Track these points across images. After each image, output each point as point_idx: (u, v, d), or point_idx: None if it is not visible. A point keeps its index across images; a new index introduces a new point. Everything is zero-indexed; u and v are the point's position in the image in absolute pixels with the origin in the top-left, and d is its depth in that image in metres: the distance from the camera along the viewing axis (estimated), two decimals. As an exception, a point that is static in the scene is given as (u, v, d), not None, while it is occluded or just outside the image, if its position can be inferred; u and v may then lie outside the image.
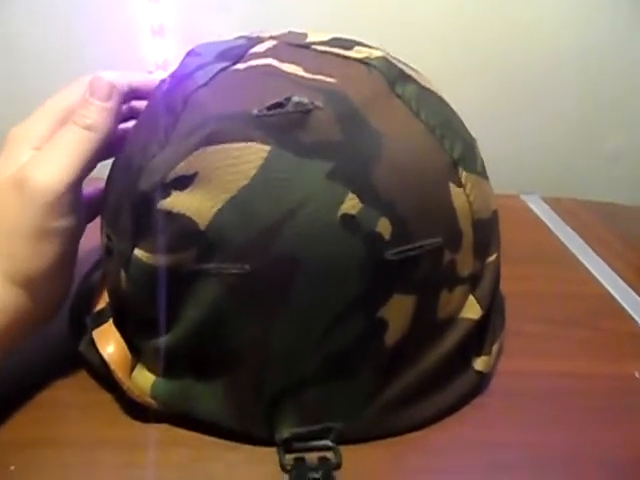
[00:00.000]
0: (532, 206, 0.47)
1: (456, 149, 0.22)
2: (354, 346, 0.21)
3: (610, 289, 0.36)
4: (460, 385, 0.25)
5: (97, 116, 0.22)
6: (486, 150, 0.54)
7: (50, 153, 0.21)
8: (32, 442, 0.22)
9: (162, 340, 0.21)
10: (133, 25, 0.44)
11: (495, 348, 0.27)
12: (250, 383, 0.21)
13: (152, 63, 0.44)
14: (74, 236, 0.22)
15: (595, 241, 0.42)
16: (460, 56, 0.49)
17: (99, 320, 0.24)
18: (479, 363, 0.25)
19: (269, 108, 0.19)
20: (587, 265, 0.38)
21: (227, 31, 0.42)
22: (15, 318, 0.21)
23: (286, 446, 0.21)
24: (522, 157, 0.53)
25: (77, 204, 0.22)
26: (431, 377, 0.23)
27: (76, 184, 0.21)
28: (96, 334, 0.23)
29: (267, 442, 0.22)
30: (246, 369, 0.21)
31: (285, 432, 0.21)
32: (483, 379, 0.26)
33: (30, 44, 0.46)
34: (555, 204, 0.47)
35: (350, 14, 0.46)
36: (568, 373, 0.28)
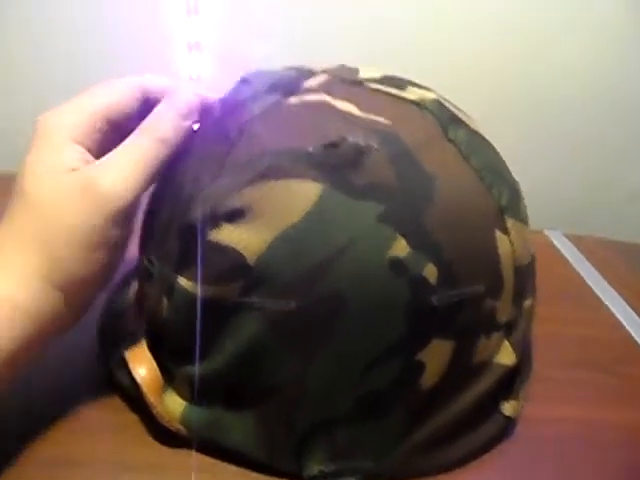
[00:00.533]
0: (556, 242, 0.47)
1: (504, 196, 0.22)
2: (390, 387, 0.21)
3: (633, 333, 0.36)
4: (488, 429, 0.24)
5: (173, 133, 0.21)
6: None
7: (122, 161, 0.20)
8: (57, 461, 0.22)
9: (197, 368, 0.21)
10: (170, 39, 0.45)
11: (522, 393, 0.26)
12: (282, 417, 0.21)
13: (186, 78, 0.45)
14: (124, 246, 0.22)
15: (616, 281, 0.41)
16: (489, 92, 0.49)
17: (132, 341, 0.24)
18: (507, 408, 0.25)
19: (325, 147, 0.19)
20: (610, 306, 0.38)
21: (264, 53, 0.43)
22: (50, 321, 0.20)
23: (315, 482, 0.21)
24: (546, 193, 0.53)
25: (134, 215, 0.21)
26: (462, 420, 0.23)
27: (141, 196, 0.21)
28: (128, 354, 0.23)
29: (294, 477, 0.22)
30: (280, 404, 0.21)
31: (314, 469, 0.21)
32: (510, 424, 0.25)
33: (63, 57, 0.47)
34: (577, 242, 0.47)
35: (387, 45, 0.47)
36: (591, 421, 0.28)
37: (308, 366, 0.20)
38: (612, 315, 0.37)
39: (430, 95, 0.23)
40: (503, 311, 0.23)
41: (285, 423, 0.21)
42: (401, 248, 0.19)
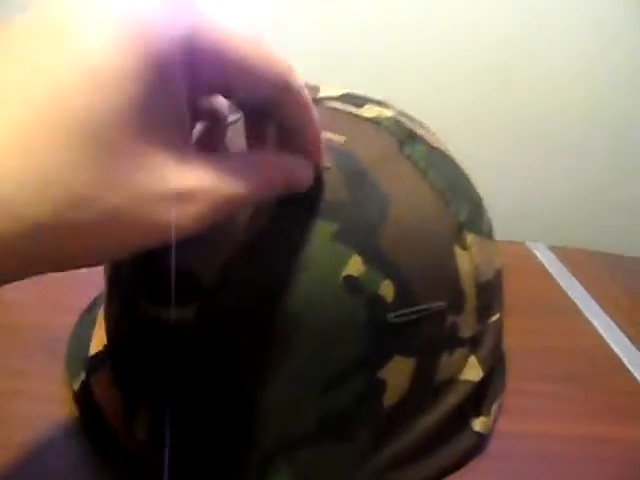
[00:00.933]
0: (538, 254, 0.47)
1: (462, 212, 0.22)
2: (352, 407, 0.21)
3: (614, 346, 0.35)
4: (458, 446, 0.24)
5: (303, 177, 0.17)
6: (496, 197, 0.54)
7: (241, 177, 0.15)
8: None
9: (159, 390, 0.21)
10: None
11: (495, 408, 0.26)
12: (243, 440, 0.21)
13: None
14: None
15: (599, 293, 0.41)
16: (473, 103, 0.50)
17: (96, 363, 0.24)
18: (478, 424, 0.25)
19: None
20: (591, 318, 0.38)
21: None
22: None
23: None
24: (530, 205, 0.53)
25: None
26: (428, 439, 0.23)
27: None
28: (93, 378, 0.23)
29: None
30: (239, 425, 0.21)
31: (277, 490, 0.21)
32: (482, 440, 0.25)
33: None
34: (561, 253, 0.47)
35: (364, 64, 0.47)
36: (568, 436, 0.27)
37: (268, 385, 0.20)
38: (593, 328, 0.37)
39: (387, 113, 0.23)
40: (466, 327, 0.22)
41: (249, 443, 0.21)
42: (356, 267, 0.19)
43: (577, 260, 0.46)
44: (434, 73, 0.49)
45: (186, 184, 0.14)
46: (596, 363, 0.33)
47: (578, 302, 0.40)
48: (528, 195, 0.53)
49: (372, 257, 0.19)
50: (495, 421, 0.27)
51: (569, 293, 0.41)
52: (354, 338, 0.20)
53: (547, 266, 0.45)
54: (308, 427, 0.21)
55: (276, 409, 0.20)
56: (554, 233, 0.51)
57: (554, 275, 0.43)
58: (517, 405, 0.28)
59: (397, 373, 0.21)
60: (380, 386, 0.21)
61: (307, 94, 0.16)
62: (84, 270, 0.28)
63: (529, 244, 0.48)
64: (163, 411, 0.21)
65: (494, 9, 0.47)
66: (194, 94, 0.14)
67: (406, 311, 0.20)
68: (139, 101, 0.12)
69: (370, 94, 0.25)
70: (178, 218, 0.14)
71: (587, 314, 0.39)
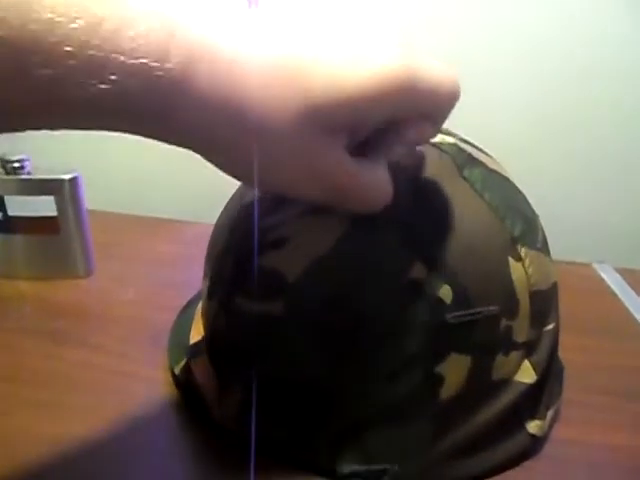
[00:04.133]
0: (604, 275, 0.47)
1: (517, 227, 0.25)
2: (412, 395, 0.23)
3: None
4: (512, 445, 0.26)
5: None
6: (562, 218, 0.55)
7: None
8: (127, 450, 0.26)
9: (249, 374, 0.25)
10: None
11: (550, 414, 0.28)
12: (318, 418, 0.24)
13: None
14: None
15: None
16: (542, 124, 0.51)
17: (195, 351, 0.28)
18: (532, 426, 0.26)
19: None
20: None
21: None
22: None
23: (345, 481, 0.24)
24: (597, 226, 0.53)
25: None
26: (484, 434, 0.25)
27: None
28: (193, 363, 0.27)
29: (329, 474, 0.24)
30: (316, 405, 0.24)
31: (345, 468, 0.24)
32: (536, 443, 0.27)
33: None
34: (628, 275, 0.47)
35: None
36: (624, 446, 0.28)
37: (338, 372, 0.23)
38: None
39: (449, 139, 0.26)
40: (520, 331, 0.25)
41: (321, 423, 0.24)
42: (419, 271, 0.22)
43: (643, 282, 0.46)
44: (499, 96, 0.51)
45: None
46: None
47: (643, 322, 0.40)
48: (594, 216, 0.53)
49: (433, 264, 0.22)
50: (551, 426, 0.28)
51: (635, 314, 0.41)
52: (415, 334, 0.22)
53: (613, 287, 0.45)
54: (373, 411, 0.24)
55: (346, 393, 0.23)
56: (621, 254, 0.50)
57: (620, 296, 0.44)
58: (575, 415, 0.29)
59: (454, 369, 0.23)
60: (438, 380, 0.23)
61: None
62: (179, 275, 0.33)
63: (595, 265, 0.49)
64: (251, 391, 0.25)
65: (563, 34, 0.49)
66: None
67: (462, 313, 0.23)
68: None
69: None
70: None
71: (652, 334, 0.39)
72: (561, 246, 0.47)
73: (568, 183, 0.53)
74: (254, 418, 0.24)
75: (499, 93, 0.51)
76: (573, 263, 0.48)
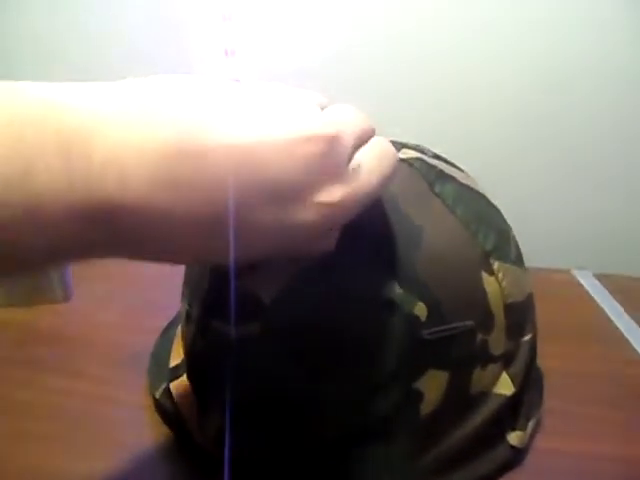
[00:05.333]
0: (583, 282, 0.48)
1: (489, 241, 0.25)
2: (391, 413, 0.23)
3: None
4: (494, 457, 0.26)
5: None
6: (540, 226, 0.55)
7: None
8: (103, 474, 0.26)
9: (227, 395, 0.25)
10: (206, 45, 0.48)
11: (531, 424, 0.28)
12: (298, 438, 0.24)
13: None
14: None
15: (646, 321, 0.42)
16: (516, 132, 0.52)
17: (175, 374, 0.28)
18: (513, 438, 0.27)
19: None
20: (635, 346, 0.39)
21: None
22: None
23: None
24: (576, 232, 0.54)
25: None
26: (465, 447, 0.25)
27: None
28: (173, 386, 0.27)
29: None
30: (296, 425, 0.24)
31: (328, 487, 0.24)
32: (517, 454, 0.27)
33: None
34: (606, 281, 0.47)
35: (412, 92, 0.51)
36: (607, 455, 0.28)
37: (317, 391, 0.23)
38: (638, 355, 0.38)
39: (412, 154, 0.27)
40: (496, 344, 0.25)
41: (301, 442, 0.24)
42: (392, 290, 0.22)
43: (623, 287, 0.47)
44: (479, 102, 0.51)
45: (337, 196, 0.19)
46: (639, 388, 0.34)
47: (623, 329, 0.41)
48: (573, 223, 0.54)
49: (407, 281, 0.23)
50: (532, 437, 0.28)
51: (614, 320, 0.42)
52: (393, 352, 0.23)
53: (592, 293, 0.46)
54: (354, 429, 0.24)
55: (325, 412, 0.23)
56: (599, 261, 0.51)
57: (599, 302, 0.44)
58: (556, 425, 0.30)
59: (432, 384, 0.23)
60: (417, 396, 0.23)
61: None
62: (159, 296, 0.33)
63: (574, 272, 0.49)
64: (230, 413, 0.25)
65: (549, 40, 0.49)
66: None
67: (438, 329, 0.23)
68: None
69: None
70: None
71: (632, 341, 0.39)
72: (540, 253, 0.47)
73: (547, 190, 0.53)
74: (228, 441, 0.24)
75: (479, 99, 0.51)
76: (552, 270, 0.48)
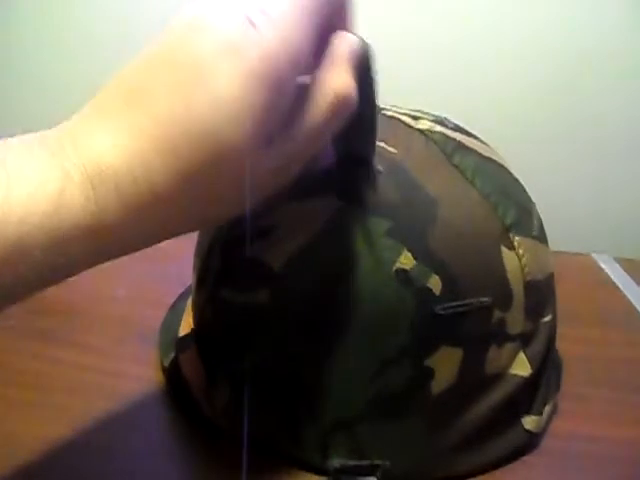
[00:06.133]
0: (604, 266, 0.46)
1: (509, 215, 0.24)
2: (402, 390, 0.23)
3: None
4: (508, 441, 0.25)
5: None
6: (561, 209, 0.54)
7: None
8: (107, 448, 0.25)
9: (237, 366, 0.24)
10: None
11: (548, 409, 0.27)
12: (309, 412, 0.24)
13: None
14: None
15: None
16: (543, 113, 0.51)
17: (184, 344, 0.27)
18: (529, 422, 0.26)
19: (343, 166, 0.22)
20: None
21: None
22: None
23: (336, 476, 0.23)
24: (597, 216, 0.52)
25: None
26: (478, 429, 0.24)
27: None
28: (181, 356, 0.27)
29: (320, 469, 0.24)
30: (306, 399, 0.24)
31: (336, 462, 0.23)
32: (532, 439, 0.26)
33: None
34: (628, 265, 0.46)
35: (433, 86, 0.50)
36: (625, 439, 0.28)
37: (327, 364, 0.23)
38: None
39: (437, 127, 0.25)
40: (514, 323, 0.24)
41: (311, 417, 0.24)
42: (407, 261, 0.22)
43: (644, 271, 0.45)
44: (501, 80, 0.50)
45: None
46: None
47: (644, 313, 0.39)
48: (594, 206, 0.52)
49: (421, 253, 0.22)
50: (548, 422, 0.27)
51: (635, 305, 0.41)
52: (404, 326, 0.22)
53: (613, 277, 0.44)
54: (363, 405, 0.23)
55: (334, 387, 0.23)
56: (621, 244, 0.50)
57: (620, 286, 0.43)
58: (575, 408, 0.29)
59: (445, 362, 0.23)
60: (428, 373, 0.23)
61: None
62: (170, 270, 0.33)
63: (595, 256, 0.48)
64: (238, 384, 0.25)
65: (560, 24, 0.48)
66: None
67: (453, 304, 0.22)
68: (257, 128, 0.16)
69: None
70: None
71: (654, 325, 0.38)
72: (560, 236, 0.46)
73: (568, 173, 0.52)
74: (243, 413, 0.24)
75: (502, 76, 0.50)
76: (572, 254, 0.47)
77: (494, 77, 0.50)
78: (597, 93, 0.50)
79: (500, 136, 0.51)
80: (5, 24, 0.55)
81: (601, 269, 0.46)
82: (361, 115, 0.19)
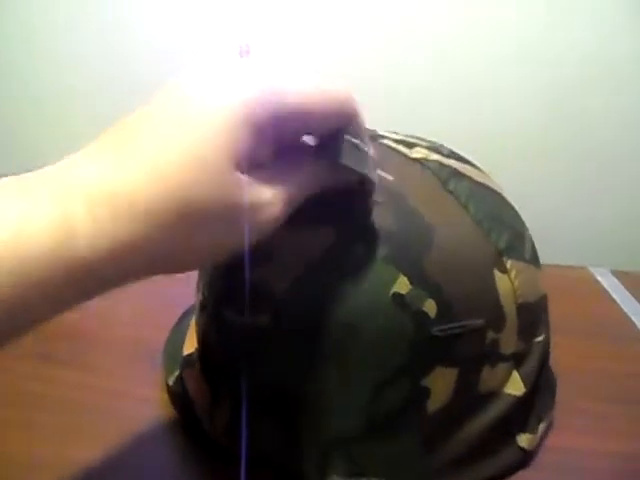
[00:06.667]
0: (600, 278, 0.47)
1: (502, 239, 0.25)
2: (398, 409, 0.23)
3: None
4: (503, 458, 0.26)
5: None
6: (558, 222, 0.55)
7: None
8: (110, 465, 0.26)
9: (238, 385, 0.25)
10: (220, 44, 0.48)
11: (542, 427, 0.28)
12: (308, 430, 0.24)
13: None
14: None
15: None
16: (542, 129, 0.51)
17: (188, 362, 0.28)
18: (523, 440, 0.26)
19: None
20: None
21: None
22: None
23: (334, 494, 0.24)
24: (593, 229, 0.53)
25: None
26: (473, 447, 0.25)
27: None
28: (185, 375, 0.28)
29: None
30: (305, 417, 0.24)
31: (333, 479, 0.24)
32: (527, 456, 0.27)
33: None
34: (624, 278, 0.46)
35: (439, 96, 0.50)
36: (620, 453, 0.28)
37: (325, 384, 0.23)
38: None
39: (433, 156, 0.26)
40: (507, 343, 0.25)
41: (310, 435, 0.24)
42: (403, 285, 0.22)
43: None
44: (497, 98, 0.51)
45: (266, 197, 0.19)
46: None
47: (640, 326, 0.40)
48: (591, 219, 0.53)
49: (417, 278, 0.22)
50: (542, 439, 0.28)
51: (632, 317, 0.41)
52: (401, 347, 0.23)
53: (610, 290, 0.45)
54: (359, 426, 0.24)
55: (333, 407, 0.24)
56: (617, 257, 0.50)
57: (617, 299, 0.44)
58: (570, 422, 0.29)
59: (440, 382, 0.23)
60: (424, 392, 0.23)
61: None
62: (173, 293, 0.33)
63: (592, 269, 0.48)
64: (240, 403, 0.25)
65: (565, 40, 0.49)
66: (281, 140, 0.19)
67: (447, 326, 0.23)
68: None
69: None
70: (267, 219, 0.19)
71: (649, 338, 0.39)
72: (557, 249, 0.47)
73: (565, 187, 0.53)
74: (244, 429, 0.24)
75: (501, 92, 0.51)
76: (569, 266, 0.47)
77: (489, 94, 0.51)
78: (594, 106, 0.50)
79: (498, 149, 0.52)
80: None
81: (597, 282, 0.46)
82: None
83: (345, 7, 0.50)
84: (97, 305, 0.42)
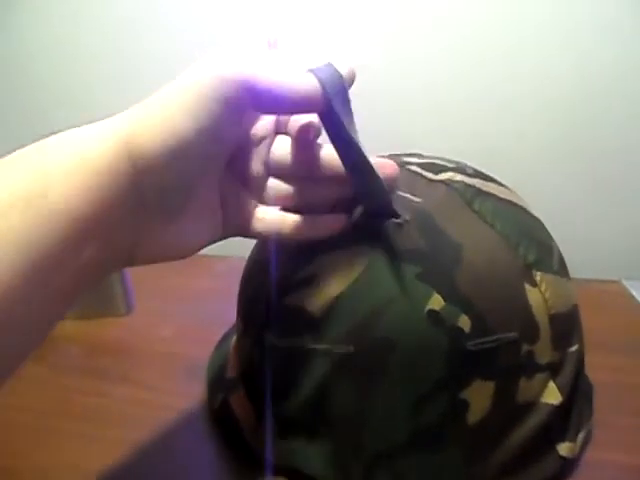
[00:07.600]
0: (634, 292, 0.46)
1: (530, 253, 0.25)
2: (439, 423, 0.24)
3: None
4: (544, 468, 0.26)
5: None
6: (590, 236, 0.54)
7: None
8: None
9: (281, 407, 0.26)
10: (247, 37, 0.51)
11: (581, 436, 0.28)
12: (351, 447, 0.25)
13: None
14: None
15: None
16: (565, 141, 0.51)
17: (232, 385, 0.30)
18: (563, 448, 0.27)
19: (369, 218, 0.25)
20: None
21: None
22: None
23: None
24: (626, 242, 0.52)
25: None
26: (514, 457, 0.26)
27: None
28: (231, 397, 0.29)
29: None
30: (347, 434, 0.25)
31: (380, 494, 0.25)
32: (567, 465, 0.27)
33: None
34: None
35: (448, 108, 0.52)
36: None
37: (366, 401, 0.24)
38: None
39: (457, 177, 0.27)
40: (542, 354, 0.25)
41: (354, 452, 0.25)
42: (437, 302, 0.23)
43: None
44: (529, 114, 0.51)
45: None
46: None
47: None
48: (623, 232, 0.52)
49: (450, 295, 0.23)
50: (582, 449, 0.28)
51: (666, 330, 0.41)
52: (438, 362, 0.24)
53: (642, 303, 0.45)
54: (402, 439, 0.25)
55: (374, 422, 0.25)
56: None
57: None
58: (606, 437, 0.29)
59: (478, 394, 0.24)
60: (463, 405, 0.24)
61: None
62: (212, 310, 0.35)
63: (625, 282, 0.48)
64: (285, 422, 0.26)
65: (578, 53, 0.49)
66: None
67: (482, 340, 0.24)
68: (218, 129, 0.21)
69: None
70: None
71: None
72: (590, 263, 0.47)
73: (596, 200, 0.52)
74: (269, 447, 0.25)
75: (522, 107, 0.51)
76: (602, 280, 0.47)
77: (509, 99, 0.51)
78: (622, 115, 0.50)
79: (527, 164, 0.52)
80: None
81: (631, 295, 0.46)
82: (353, 163, 0.22)
83: (355, 15, 0.52)
84: (141, 323, 0.45)
